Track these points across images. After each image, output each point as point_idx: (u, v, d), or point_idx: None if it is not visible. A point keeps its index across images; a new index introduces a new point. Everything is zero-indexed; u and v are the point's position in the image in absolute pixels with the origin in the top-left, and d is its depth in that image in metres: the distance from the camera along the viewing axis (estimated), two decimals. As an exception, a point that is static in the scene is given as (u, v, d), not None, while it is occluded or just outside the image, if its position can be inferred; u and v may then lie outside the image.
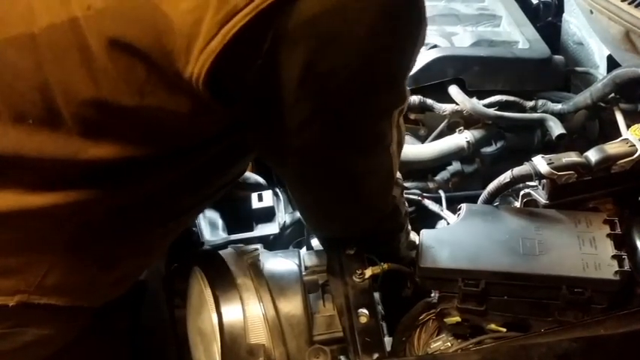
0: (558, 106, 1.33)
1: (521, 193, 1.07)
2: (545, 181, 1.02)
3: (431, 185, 1.31)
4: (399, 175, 0.94)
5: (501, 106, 1.34)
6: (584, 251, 0.95)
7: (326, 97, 0.71)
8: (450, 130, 1.35)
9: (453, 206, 1.18)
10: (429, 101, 1.32)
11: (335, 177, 0.83)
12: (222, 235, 1.12)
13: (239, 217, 1.14)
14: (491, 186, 1.06)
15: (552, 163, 0.99)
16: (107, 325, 0.91)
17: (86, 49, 0.68)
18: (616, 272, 0.91)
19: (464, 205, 1.04)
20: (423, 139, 1.36)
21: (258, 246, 1.00)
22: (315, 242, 1.08)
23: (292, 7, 0.63)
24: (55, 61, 0.70)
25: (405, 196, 1.00)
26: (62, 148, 0.73)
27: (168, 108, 0.71)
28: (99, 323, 0.89)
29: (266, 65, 0.66)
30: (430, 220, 1.21)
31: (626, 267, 0.92)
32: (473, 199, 1.11)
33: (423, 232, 0.98)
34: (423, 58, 1.31)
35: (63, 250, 0.80)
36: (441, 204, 1.23)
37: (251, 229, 1.14)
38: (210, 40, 0.63)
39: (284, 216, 1.17)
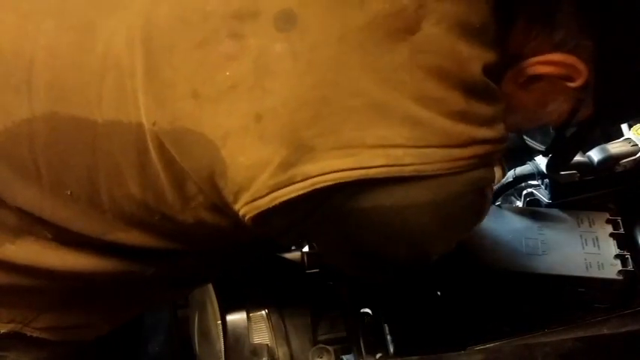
0: (560, 106, 1.33)
1: (524, 192, 1.06)
2: (547, 180, 1.02)
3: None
4: None
5: (503, 105, 1.34)
6: (587, 251, 0.95)
7: (366, 258, 0.72)
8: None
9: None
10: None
11: (366, 277, 0.86)
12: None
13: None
14: (494, 185, 1.06)
15: (555, 162, 1.00)
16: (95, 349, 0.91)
17: (144, 153, 0.67)
18: (619, 272, 0.91)
19: (467, 205, 1.03)
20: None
21: (262, 245, 1.00)
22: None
23: (349, 194, 0.61)
24: (110, 154, 0.69)
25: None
26: (93, 224, 0.72)
27: (209, 222, 0.70)
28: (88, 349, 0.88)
29: (311, 226, 0.66)
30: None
31: (629, 266, 0.92)
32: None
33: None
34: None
35: (66, 299, 0.81)
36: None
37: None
38: (257, 199, 0.62)
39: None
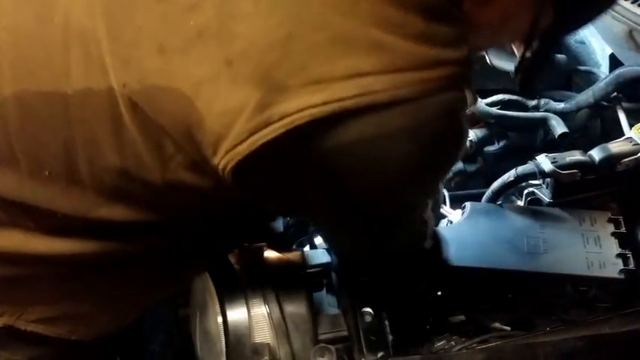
0: (561, 105, 1.33)
1: (525, 191, 1.07)
2: (549, 179, 1.02)
3: (433, 184, 1.30)
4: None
5: (504, 105, 1.33)
6: (589, 250, 0.95)
7: (354, 208, 0.71)
8: (452, 129, 1.35)
9: (454, 205, 1.18)
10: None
11: (359, 244, 0.83)
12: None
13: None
14: (496, 185, 1.06)
15: (556, 161, 1.00)
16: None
17: (118, 118, 0.67)
18: (620, 271, 0.92)
19: (468, 204, 1.04)
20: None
21: (263, 244, 0.99)
22: (318, 241, 1.08)
23: (327, 129, 0.62)
24: (85, 124, 0.69)
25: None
26: (75, 203, 0.72)
27: (189, 184, 0.70)
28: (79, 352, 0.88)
29: (293, 174, 0.66)
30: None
31: (631, 265, 0.92)
32: (476, 198, 1.11)
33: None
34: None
35: (57, 288, 0.80)
36: (444, 203, 1.22)
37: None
38: (237, 145, 0.62)
39: (288, 215, 1.17)
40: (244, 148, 0.62)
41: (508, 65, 0.85)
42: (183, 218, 0.77)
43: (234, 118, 0.62)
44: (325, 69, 0.61)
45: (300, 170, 0.66)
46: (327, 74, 0.61)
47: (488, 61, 0.90)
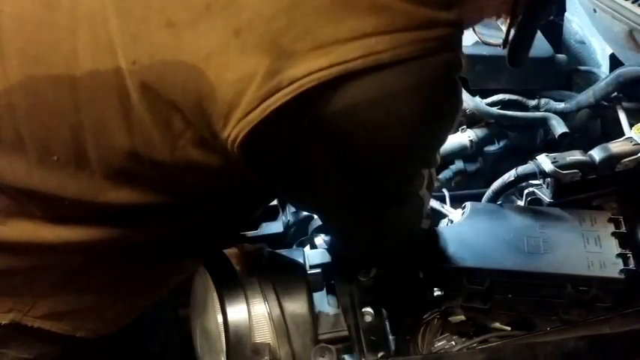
0: (561, 105, 1.34)
1: (526, 191, 1.07)
2: (549, 179, 1.02)
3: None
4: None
5: (504, 104, 1.34)
6: (589, 249, 0.95)
7: (358, 175, 0.72)
8: (452, 128, 1.35)
9: (455, 205, 1.18)
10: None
11: (360, 224, 0.83)
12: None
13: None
14: (496, 184, 1.06)
15: (557, 161, 1.00)
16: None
17: (126, 98, 0.68)
18: (621, 271, 0.91)
19: (468, 204, 1.04)
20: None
21: (263, 245, 1.00)
22: (318, 241, 1.08)
23: (334, 92, 0.63)
24: (93, 105, 0.70)
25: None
26: (82, 188, 0.73)
27: (197, 162, 0.71)
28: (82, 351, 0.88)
29: (301, 140, 0.67)
30: (434, 218, 1.21)
31: (631, 265, 0.92)
32: (476, 198, 1.11)
33: (428, 230, 0.98)
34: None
35: (63, 280, 0.80)
36: (444, 202, 1.22)
37: (255, 228, 1.14)
38: (249, 112, 0.63)
39: (288, 215, 1.17)
40: (256, 115, 0.63)
41: (496, 40, 0.86)
42: (189, 201, 0.78)
43: (245, 86, 0.63)
44: (329, 32, 0.62)
45: (307, 136, 0.66)
46: (331, 37, 0.62)
47: (477, 38, 0.91)
